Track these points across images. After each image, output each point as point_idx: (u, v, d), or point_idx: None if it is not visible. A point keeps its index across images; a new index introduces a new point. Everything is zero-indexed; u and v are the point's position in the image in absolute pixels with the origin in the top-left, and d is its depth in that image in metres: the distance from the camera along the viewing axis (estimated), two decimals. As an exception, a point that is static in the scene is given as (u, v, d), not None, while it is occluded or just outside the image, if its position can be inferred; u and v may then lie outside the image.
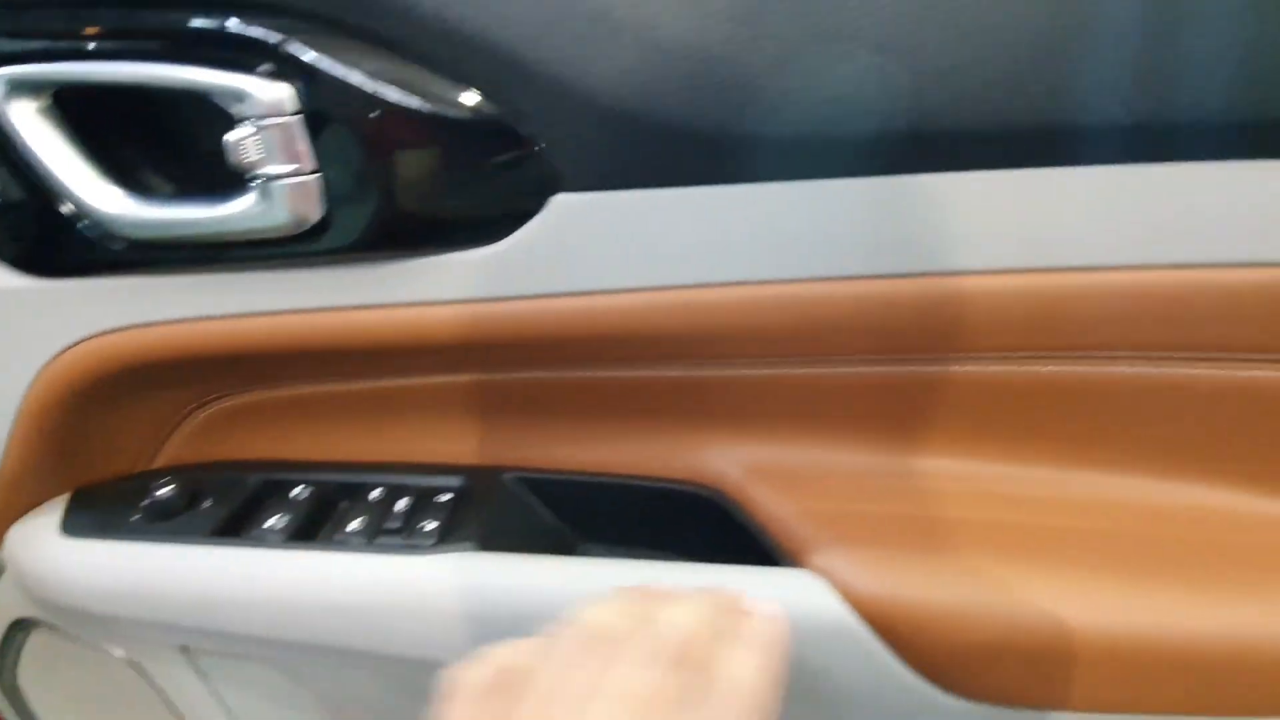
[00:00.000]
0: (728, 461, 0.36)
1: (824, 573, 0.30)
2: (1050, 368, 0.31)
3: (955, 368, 0.31)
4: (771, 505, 0.34)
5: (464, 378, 0.35)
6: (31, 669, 0.49)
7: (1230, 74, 0.24)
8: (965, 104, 0.25)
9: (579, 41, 0.25)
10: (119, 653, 0.43)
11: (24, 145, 0.28)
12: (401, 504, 0.36)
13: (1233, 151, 0.25)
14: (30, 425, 0.37)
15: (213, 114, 0.27)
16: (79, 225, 0.30)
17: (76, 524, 0.38)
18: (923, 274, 0.28)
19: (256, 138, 0.26)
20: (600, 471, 0.38)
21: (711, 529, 0.36)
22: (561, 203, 0.28)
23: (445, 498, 0.37)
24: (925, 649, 0.29)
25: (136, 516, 0.38)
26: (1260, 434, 0.30)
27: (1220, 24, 0.23)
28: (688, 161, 0.26)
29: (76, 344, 0.34)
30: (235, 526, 0.37)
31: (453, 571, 0.33)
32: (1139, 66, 0.24)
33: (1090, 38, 0.24)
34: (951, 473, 0.33)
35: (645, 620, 0.23)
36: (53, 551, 0.38)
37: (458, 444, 0.39)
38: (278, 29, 0.26)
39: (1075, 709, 0.29)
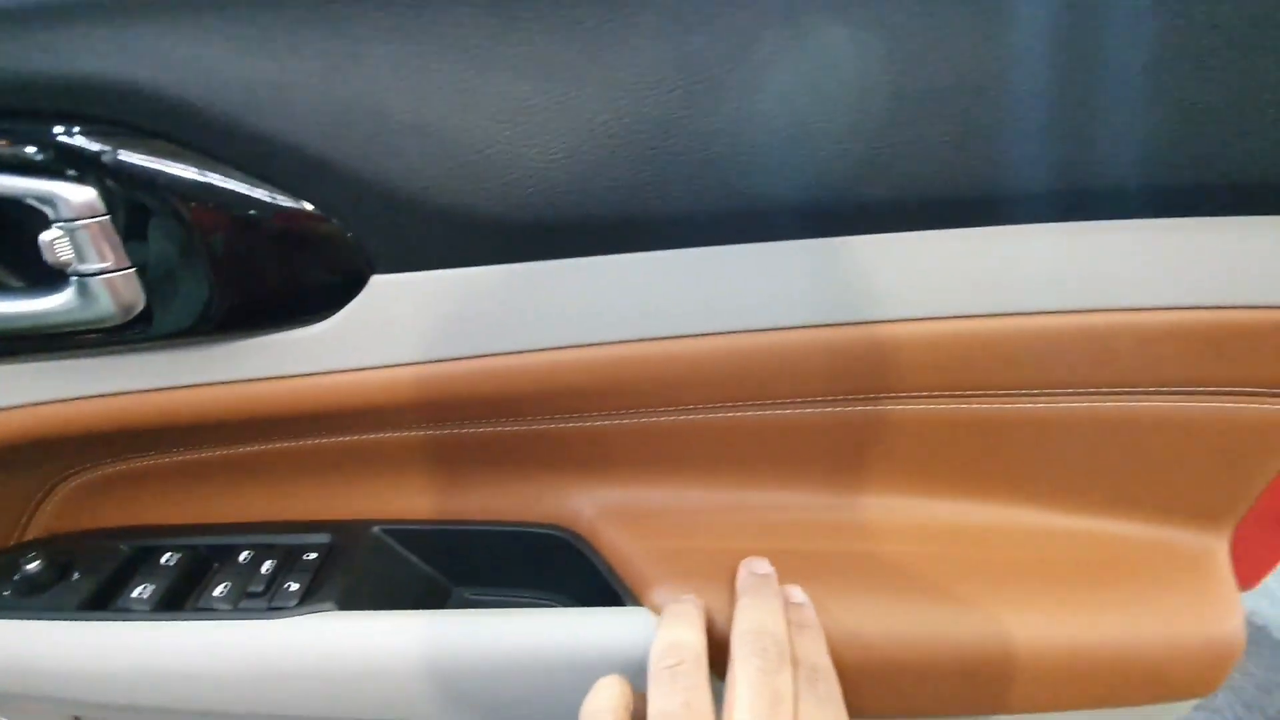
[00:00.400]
0: (580, 505, 0.38)
1: (658, 610, 0.33)
2: (863, 408, 0.34)
3: (778, 412, 0.34)
4: (618, 545, 0.36)
5: (316, 442, 0.37)
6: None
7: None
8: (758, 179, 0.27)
9: (368, 141, 0.27)
10: (5, 727, 0.43)
11: None
12: (267, 566, 0.38)
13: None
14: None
15: (24, 215, 0.28)
16: None
17: (-61, 606, 0.38)
18: (705, 334, 0.30)
19: (66, 239, 0.27)
20: (464, 519, 0.39)
21: (569, 567, 0.38)
22: (379, 282, 0.30)
23: (311, 556, 0.38)
24: None
25: (6, 592, 0.38)
26: (1075, 461, 0.34)
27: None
28: (477, 242, 0.28)
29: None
30: (104, 597, 0.38)
31: (311, 633, 0.34)
32: (1045, 137, 0.26)
33: (989, 108, 0.26)
34: (780, 505, 0.36)
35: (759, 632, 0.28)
36: None
37: (324, 501, 0.40)
38: (86, 136, 0.27)
39: (887, 715, 0.33)
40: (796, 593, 0.32)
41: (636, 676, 0.33)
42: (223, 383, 0.32)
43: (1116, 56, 0.25)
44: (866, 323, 0.30)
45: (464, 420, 0.35)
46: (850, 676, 0.31)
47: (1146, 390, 0.31)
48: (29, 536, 0.42)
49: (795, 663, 0.27)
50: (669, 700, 0.26)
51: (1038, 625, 0.32)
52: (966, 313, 0.30)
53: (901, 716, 0.32)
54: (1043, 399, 0.32)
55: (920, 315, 0.30)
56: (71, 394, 0.33)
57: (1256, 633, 1.38)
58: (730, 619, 0.32)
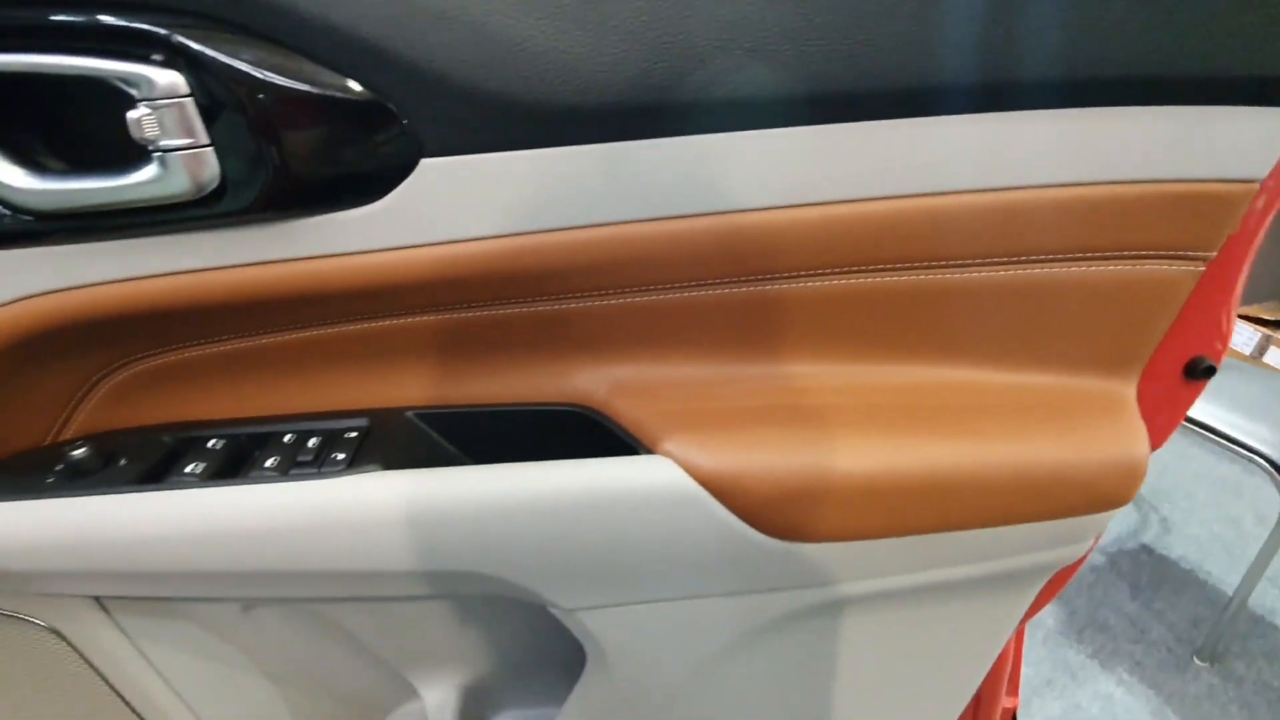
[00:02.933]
0: (595, 383, 0.43)
1: (672, 455, 0.38)
2: (840, 282, 0.39)
3: (760, 287, 0.40)
4: (632, 413, 0.41)
5: (359, 326, 0.41)
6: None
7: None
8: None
9: (423, 34, 0.31)
10: (39, 620, 0.45)
11: None
12: (312, 442, 0.41)
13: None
14: (-66, 401, 0.39)
15: (107, 98, 0.31)
16: None
17: (-10, 491, 0.41)
18: (722, 212, 0.36)
19: (153, 116, 0.31)
20: (489, 403, 0.44)
21: (586, 441, 0.43)
22: (427, 165, 0.34)
23: (352, 434, 0.42)
24: (749, 502, 0.37)
25: (52, 479, 0.41)
26: (999, 322, 0.40)
27: None
28: (516, 128, 0.33)
29: (-15, 315, 0.37)
30: (154, 478, 0.41)
31: (362, 489, 0.38)
32: (965, 34, 0.32)
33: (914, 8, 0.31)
34: (775, 373, 0.42)
35: None
36: None
37: (358, 391, 0.44)
38: (169, 24, 0.31)
39: (849, 538, 0.39)
40: None
41: (657, 513, 0.38)
42: (279, 260, 0.36)
43: None
44: (826, 203, 0.36)
45: (496, 300, 0.39)
46: (836, 502, 0.37)
47: (1055, 257, 0.38)
48: (65, 437, 0.44)
49: None
50: None
51: (982, 454, 0.38)
52: (898, 193, 0.36)
53: (879, 536, 0.38)
54: (970, 268, 0.38)
55: (861, 196, 0.36)
56: (131, 273, 0.36)
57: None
58: (735, 460, 0.37)
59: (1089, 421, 0.39)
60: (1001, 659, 0.67)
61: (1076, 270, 0.38)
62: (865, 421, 0.39)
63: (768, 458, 0.37)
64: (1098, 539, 0.43)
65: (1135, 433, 0.39)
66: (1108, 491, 0.39)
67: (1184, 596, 1.44)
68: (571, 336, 0.42)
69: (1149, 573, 1.49)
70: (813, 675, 0.45)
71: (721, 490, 0.37)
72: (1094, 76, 0.33)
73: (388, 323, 0.41)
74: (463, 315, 0.40)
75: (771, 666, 0.44)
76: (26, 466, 0.42)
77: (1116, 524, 1.60)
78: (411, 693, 0.58)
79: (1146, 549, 1.55)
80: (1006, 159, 0.35)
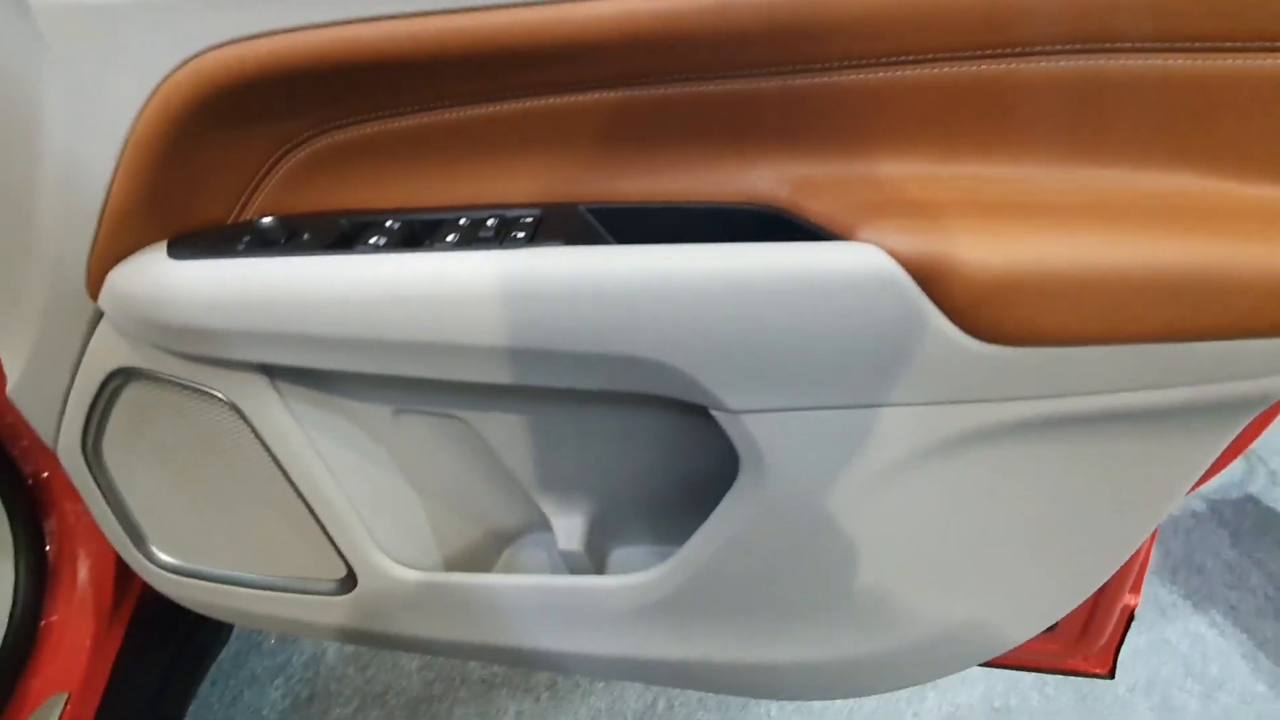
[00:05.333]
0: (780, 179, 0.40)
1: (873, 242, 0.36)
2: (1068, 64, 0.35)
3: (975, 67, 0.36)
4: (824, 208, 0.39)
5: (536, 102, 0.39)
6: (120, 429, 0.53)
7: None
8: None
9: None
10: (219, 393, 0.48)
11: None
12: (490, 224, 0.41)
13: None
14: (137, 156, 0.40)
15: None
16: None
17: (183, 251, 0.42)
18: None
19: None
20: (665, 199, 0.42)
21: (772, 240, 0.41)
22: None
23: (528, 220, 0.41)
24: (958, 296, 0.35)
25: (241, 245, 0.42)
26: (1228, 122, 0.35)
27: None
28: None
29: (187, 61, 0.37)
30: (336, 249, 0.41)
31: (545, 261, 0.38)
32: None
33: None
34: (984, 172, 0.39)
35: None
36: (163, 273, 0.41)
37: (531, 181, 0.43)
38: None
39: (1065, 342, 0.36)
40: None
41: (852, 303, 0.36)
42: (462, 9, 0.34)
43: None
44: None
45: (680, 72, 0.37)
46: (1056, 298, 0.34)
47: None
48: (247, 217, 0.45)
49: None
50: None
51: (1218, 254, 0.34)
52: None
53: (1098, 342, 0.35)
54: (1219, 54, 0.33)
55: None
56: (311, 19, 0.35)
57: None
58: (947, 247, 0.34)
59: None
60: (1132, 555, 0.64)
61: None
62: (1090, 218, 0.36)
63: (982, 245, 0.35)
64: None
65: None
66: None
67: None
68: (756, 125, 0.39)
69: (1251, 522, 1.41)
70: (980, 504, 0.43)
71: (929, 280, 0.35)
72: None
73: (563, 99, 0.39)
74: (641, 93, 0.38)
75: (938, 491, 0.42)
76: (216, 237, 0.43)
77: (1221, 474, 1.51)
78: (541, 523, 0.60)
79: (1252, 499, 1.47)
80: None
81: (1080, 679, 1.13)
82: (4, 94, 0.40)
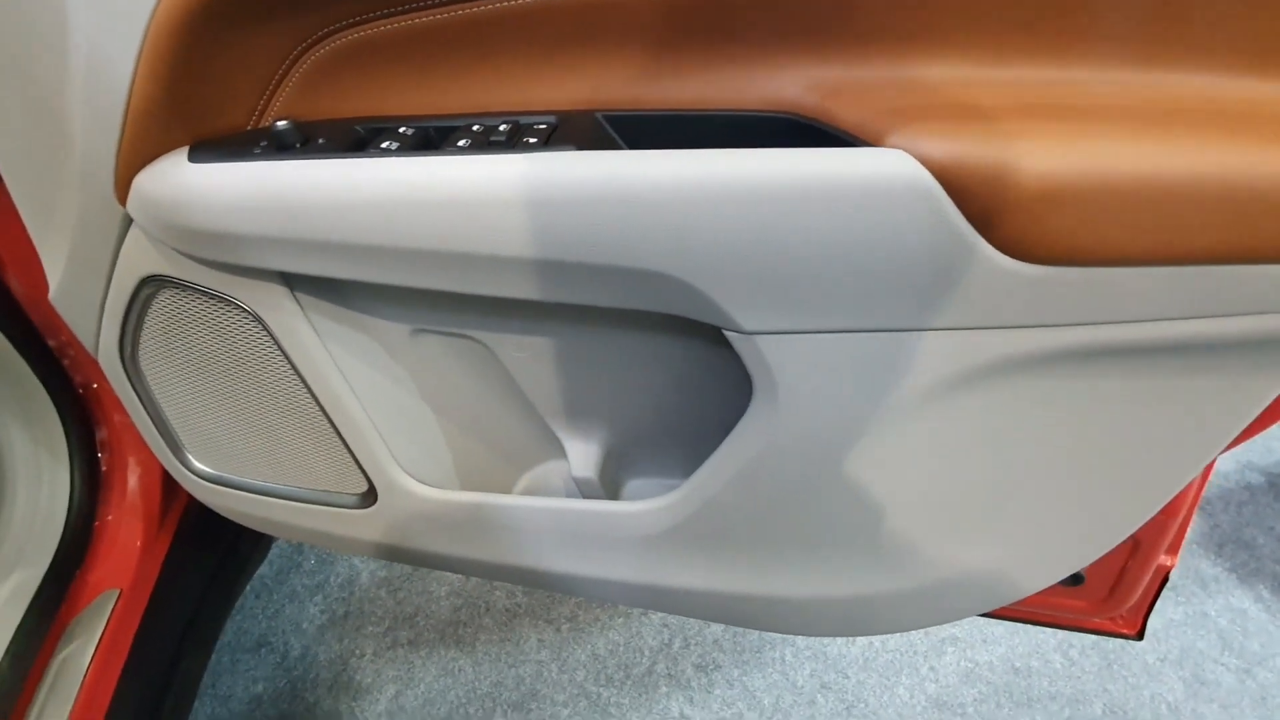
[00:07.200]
0: (806, 85, 0.38)
1: (902, 147, 0.33)
2: None
3: None
4: (851, 114, 0.36)
5: None
6: (154, 337, 0.55)
7: None
8: None
9: None
10: (242, 301, 0.49)
11: None
12: (502, 129, 0.40)
13: None
14: (156, 51, 0.39)
15: None
16: None
17: (203, 156, 0.42)
18: None
19: None
20: (685, 107, 0.40)
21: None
22: None
23: (542, 127, 0.40)
24: (990, 206, 0.32)
25: (258, 149, 0.42)
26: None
27: None
28: None
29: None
30: (351, 153, 0.41)
31: (557, 165, 0.36)
32: None
33: None
34: (1020, 75, 0.35)
35: None
36: (183, 177, 0.42)
37: (546, 87, 0.41)
38: None
39: (1106, 261, 0.33)
40: None
41: (877, 213, 0.34)
42: None
43: None
44: None
45: None
46: (1098, 209, 0.31)
47: None
48: (264, 123, 0.45)
49: None
50: None
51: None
52: None
53: (1141, 262, 0.32)
54: None
55: None
56: None
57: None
58: (979, 152, 0.32)
59: None
60: (1173, 505, 0.60)
61: None
62: (1142, 123, 0.32)
63: (1021, 152, 0.32)
64: None
65: None
66: None
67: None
68: (784, 25, 0.37)
69: (1313, 501, 1.34)
70: (1008, 440, 0.41)
71: (959, 188, 0.32)
72: None
73: None
74: None
75: (963, 425, 0.41)
76: (234, 141, 0.43)
77: (1284, 447, 1.43)
78: (556, 451, 0.60)
79: (1315, 477, 1.39)
80: None
81: (1108, 645, 1.11)
82: (29, -6, 0.40)
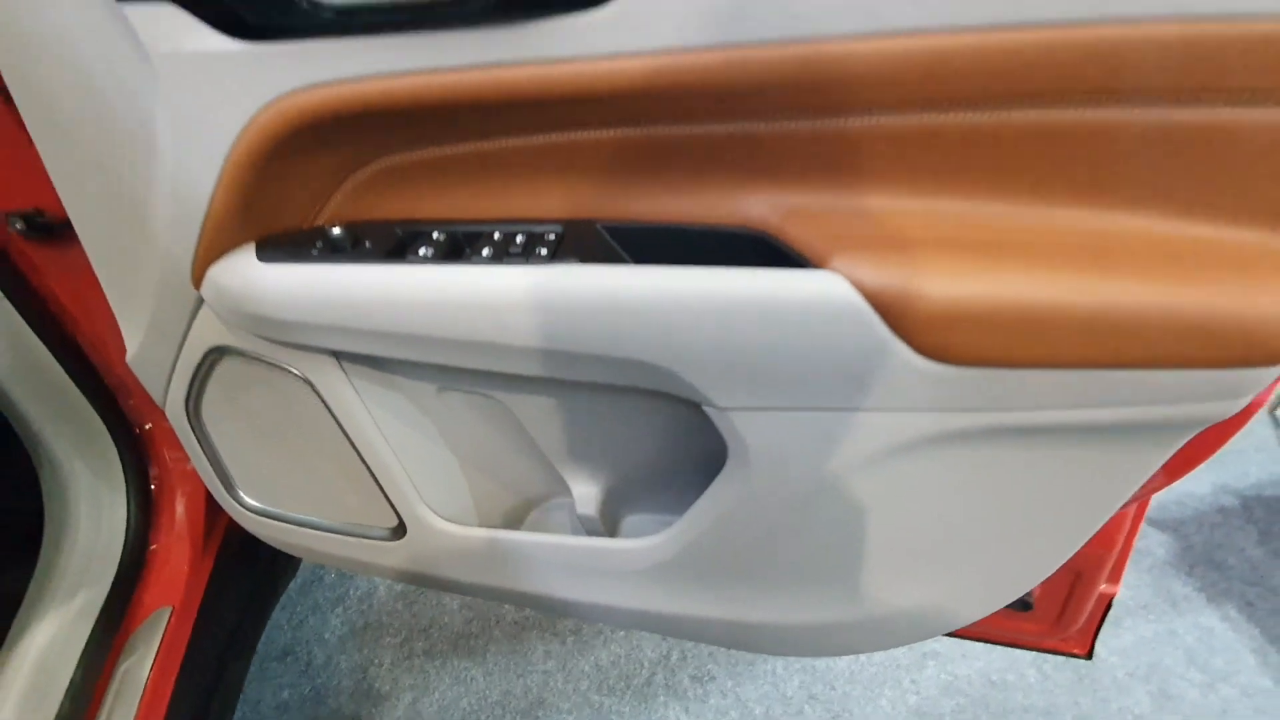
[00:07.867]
0: (771, 207, 0.46)
1: (840, 272, 0.41)
2: (1020, 115, 0.39)
3: (951, 117, 0.40)
4: (804, 235, 0.44)
5: (564, 136, 0.45)
6: (216, 394, 0.63)
7: None
8: None
9: None
10: (296, 370, 0.57)
11: None
12: (519, 239, 0.48)
13: None
14: (233, 174, 0.48)
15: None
16: None
17: (269, 255, 0.51)
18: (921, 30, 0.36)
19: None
20: (671, 220, 0.48)
21: (758, 263, 0.47)
22: None
23: (551, 237, 0.48)
24: (911, 321, 0.40)
25: (315, 251, 0.50)
26: (1193, 169, 0.39)
27: None
28: None
29: (275, 100, 0.45)
30: (391, 259, 0.49)
31: (564, 276, 0.45)
32: None
33: None
34: (949, 208, 0.43)
35: None
36: (253, 272, 0.50)
37: (554, 201, 0.50)
38: None
39: (1005, 364, 0.41)
40: None
41: (820, 324, 0.42)
42: (513, 63, 0.41)
43: None
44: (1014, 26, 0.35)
45: (696, 116, 0.42)
46: (996, 326, 0.39)
47: (1238, 100, 0.35)
48: (319, 223, 0.54)
49: None
50: None
51: (1145, 293, 0.38)
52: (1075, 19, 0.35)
53: (1034, 365, 0.40)
54: (1148, 107, 0.37)
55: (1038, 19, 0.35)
56: (385, 68, 0.42)
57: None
58: (902, 279, 0.40)
59: (1255, 274, 0.38)
60: (1108, 542, 0.68)
61: (1262, 115, 0.36)
62: (1031, 256, 0.40)
63: (934, 278, 0.40)
64: (1254, 406, 0.43)
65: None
66: (1269, 346, 0.38)
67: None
68: (752, 161, 0.45)
69: (1284, 523, 1.40)
70: (934, 499, 0.49)
71: (885, 307, 0.40)
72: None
73: (585, 135, 0.45)
74: (651, 131, 0.44)
75: (896, 485, 0.49)
76: (295, 241, 0.52)
77: (1259, 470, 1.49)
78: (563, 488, 0.68)
79: (1287, 499, 1.45)
80: None
81: (1079, 661, 1.18)
82: (127, 125, 0.49)
